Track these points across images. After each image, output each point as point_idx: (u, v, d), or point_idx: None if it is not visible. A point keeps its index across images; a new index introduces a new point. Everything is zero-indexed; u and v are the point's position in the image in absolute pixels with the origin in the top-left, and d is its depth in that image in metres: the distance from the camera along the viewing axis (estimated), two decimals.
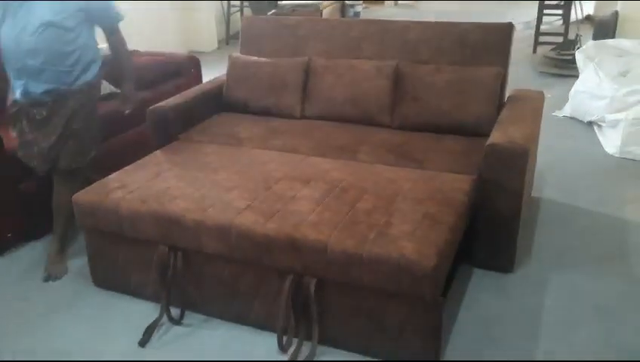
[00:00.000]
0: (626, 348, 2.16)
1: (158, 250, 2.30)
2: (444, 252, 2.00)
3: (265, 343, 2.21)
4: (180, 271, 2.29)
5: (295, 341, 2.16)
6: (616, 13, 6.00)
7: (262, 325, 2.27)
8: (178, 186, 2.44)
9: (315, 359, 2.12)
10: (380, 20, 3.33)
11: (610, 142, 3.99)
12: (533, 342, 2.21)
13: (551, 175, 3.57)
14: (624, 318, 2.33)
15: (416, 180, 2.45)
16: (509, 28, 3.00)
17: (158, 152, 2.87)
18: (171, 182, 2.48)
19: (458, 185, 2.41)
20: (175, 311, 2.36)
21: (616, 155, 3.87)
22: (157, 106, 3.09)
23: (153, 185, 2.47)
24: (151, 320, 2.32)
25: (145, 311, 2.40)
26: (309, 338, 2.15)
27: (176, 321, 2.35)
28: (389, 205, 2.24)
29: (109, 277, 2.57)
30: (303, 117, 3.27)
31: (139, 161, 2.74)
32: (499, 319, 2.33)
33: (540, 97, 3.10)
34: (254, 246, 2.14)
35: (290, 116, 3.26)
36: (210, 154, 2.79)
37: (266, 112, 3.31)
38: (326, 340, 2.17)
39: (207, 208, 2.25)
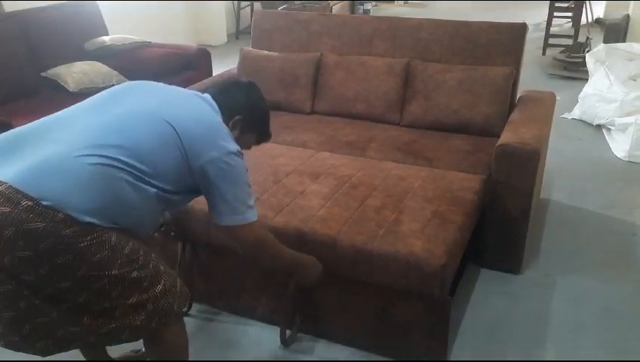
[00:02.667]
0: (633, 353, 2.16)
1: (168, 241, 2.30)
2: (453, 251, 1.99)
3: (270, 337, 2.21)
4: (188, 262, 2.30)
5: (299, 337, 2.17)
6: (628, 16, 5.98)
7: (268, 319, 2.28)
8: None
9: (325, 358, 2.13)
10: (392, 17, 3.32)
11: (620, 145, 3.97)
12: (540, 344, 2.20)
13: (559, 177, 3.56)
14: (632, 323, 2.32)
15: (425, 178, 2.44)
16: (522, 28, 2.98)
17: None
18: None
19: (468, 184, 2.41)
20: None
21: (625, 159, 3.85)
22: None
23: None
24: None
25: None
26: (313, 333, 2.16)
27: (185, 313, 2.35)
28: (399, 203, 2.23)
29: None
30: (312, 112, 3.27)
31: None
32: (505, 321, 2.33)
33: (551, 98, 3.08)
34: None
35: (300, 111, 3.26)
36: None
37: (276, 107, 3.29)
38: (333, 337, 2.18)
39: None
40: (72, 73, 3.57)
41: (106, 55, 3.95)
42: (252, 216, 1.68)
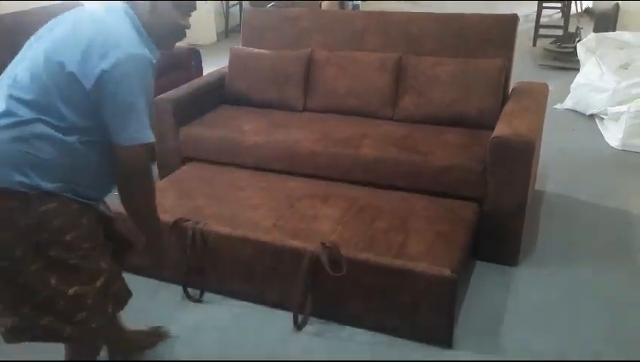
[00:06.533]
0: (631, 343, 2.15)
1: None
2: (458, 262, 2.14)
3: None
4: (198, 250, 2.30)
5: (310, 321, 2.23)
6: (617, 5, 5.99)
7: (279, 305, 2.30)
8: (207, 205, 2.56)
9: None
10: (383, 12, 3.31)
11: (613, 135, 3.98)
12: (538, 336, 2.19)
13: (553, 168, 3.56)
14: (629, 312, 2.32)
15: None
16: (513, 20, 2.97)
17: (185, 167, 3.01)
18: (200, 201, 2.59)
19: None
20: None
21: (619, 148, 3.86)
22: (158, 98, 3.05)
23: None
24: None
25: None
26: (324, 317, 2.22)
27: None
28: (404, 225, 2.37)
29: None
30: (305, 109, 3.26)
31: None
32: (503, 313, 2.32)
33: (544, 89, 3.08)
34: (280, 259, 2.22)
35: (292, 109, 3.24)
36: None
37: (268, 105, 3.28)
38: (343, 319, 2.23)
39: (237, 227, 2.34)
40: None
41: None
42: (151, 136, 1.52)
